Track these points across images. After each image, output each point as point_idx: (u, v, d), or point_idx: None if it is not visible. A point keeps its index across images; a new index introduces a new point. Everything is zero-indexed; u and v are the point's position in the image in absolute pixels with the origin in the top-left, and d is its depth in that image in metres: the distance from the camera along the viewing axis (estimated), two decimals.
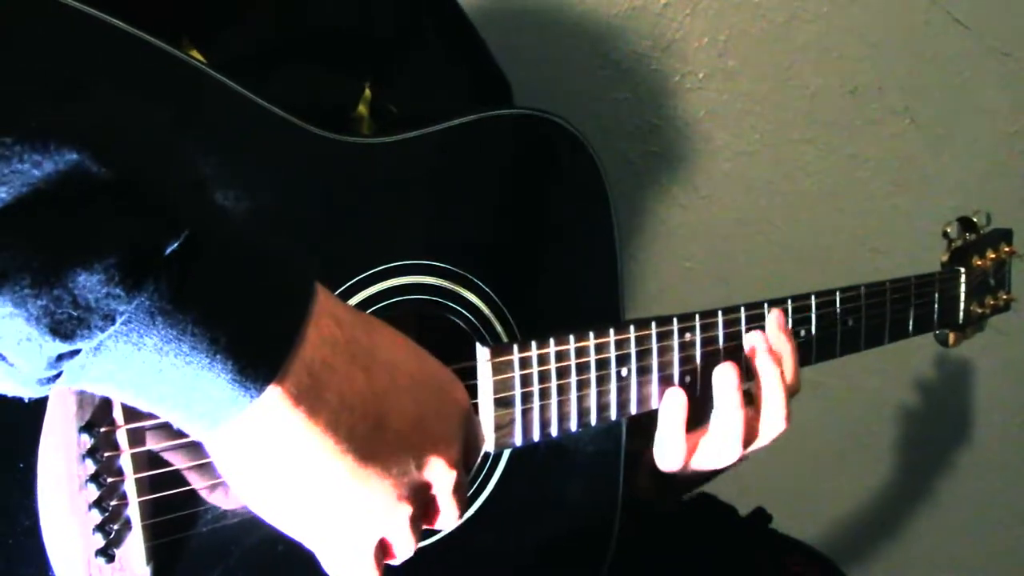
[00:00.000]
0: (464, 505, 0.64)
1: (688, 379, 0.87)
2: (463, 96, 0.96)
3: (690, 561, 1.08)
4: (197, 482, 0.67)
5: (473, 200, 0.79)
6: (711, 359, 0.88)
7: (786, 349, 0.91)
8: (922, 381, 1.85)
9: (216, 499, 0.68)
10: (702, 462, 0.90)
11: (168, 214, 0.47)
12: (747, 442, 0.88)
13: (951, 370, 1.86)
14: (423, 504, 0.61)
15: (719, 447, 0.88)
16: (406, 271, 0.75)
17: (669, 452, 0.88)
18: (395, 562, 0.62)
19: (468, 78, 0.98)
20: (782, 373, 0.89)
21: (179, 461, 0.66)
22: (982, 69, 1.64)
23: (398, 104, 0.85)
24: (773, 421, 0.89)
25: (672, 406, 0.86)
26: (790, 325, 0.93)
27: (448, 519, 0.64)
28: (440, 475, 0.60)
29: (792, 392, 0.92)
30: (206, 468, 0.67)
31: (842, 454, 1.83)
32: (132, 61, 0.58)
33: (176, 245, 0.46)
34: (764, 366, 0.88)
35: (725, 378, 0.87)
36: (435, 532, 0.66)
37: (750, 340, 0.89)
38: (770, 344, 0.89)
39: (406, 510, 0.59)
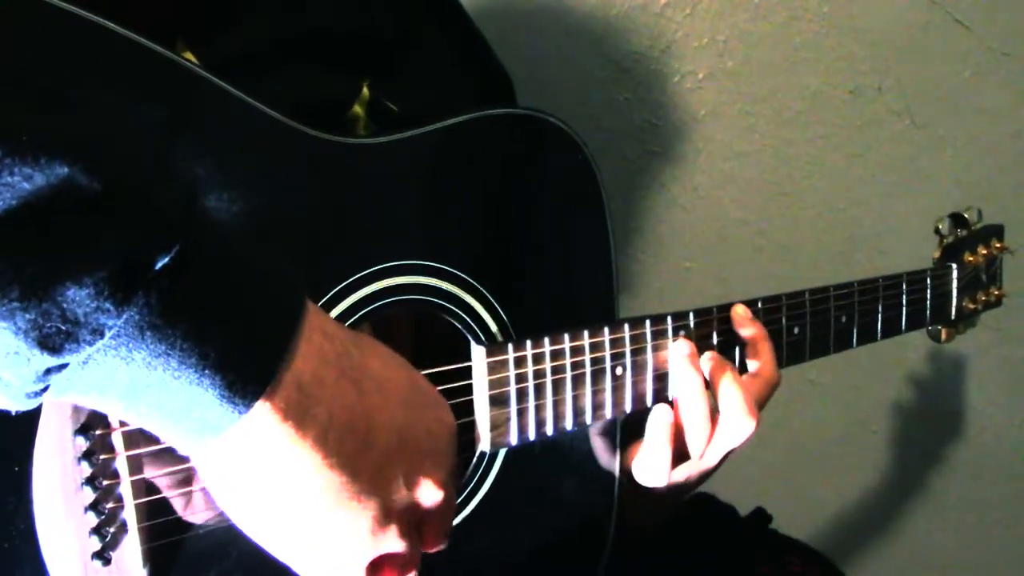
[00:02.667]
0: (448, 530, 0.64)
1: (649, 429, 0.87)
2: (467, 95, 0.96)
3: (690, 561, 1.08)
4: (176, 492, 0.68)
5: (468, 200, 0.79)
6: None
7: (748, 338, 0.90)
8: (919, 380, 1.85)
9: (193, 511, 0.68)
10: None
11: (159, 228, 0.46)
12: (714, 446, 0.85)
13: (948, 368, 1.86)
14: (413, 523, 0.60)
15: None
16: (401, 271, 0.75)
17: (652, 468, 0.85)
18: None
19: (472, 76, 0.98)
20: (730, 374, 0.85)
21: (167, 467, 0.66)
22: (982, 69, 1.64)
23: (397, 103, 0.84)
24: (734, 423, 0.84)
25: (659, 422, 0.84)
26: (785, 322, 0.93)
27: (435, 542, 0.63)
28: (429, 495, 0.60)
29: (768, 385, 0.89)
30: (193, 477, 0.67)
31: (841, 454, 1.82)
32: (124, 64, 0.58)
33: (167, 259, 0.46)
34: (684, 373, 0.85)
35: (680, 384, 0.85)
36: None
37: (674, 349, 0.86)
38: (695, 351, 0.86)
39: (394, 529, 0.58)
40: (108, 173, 0.44)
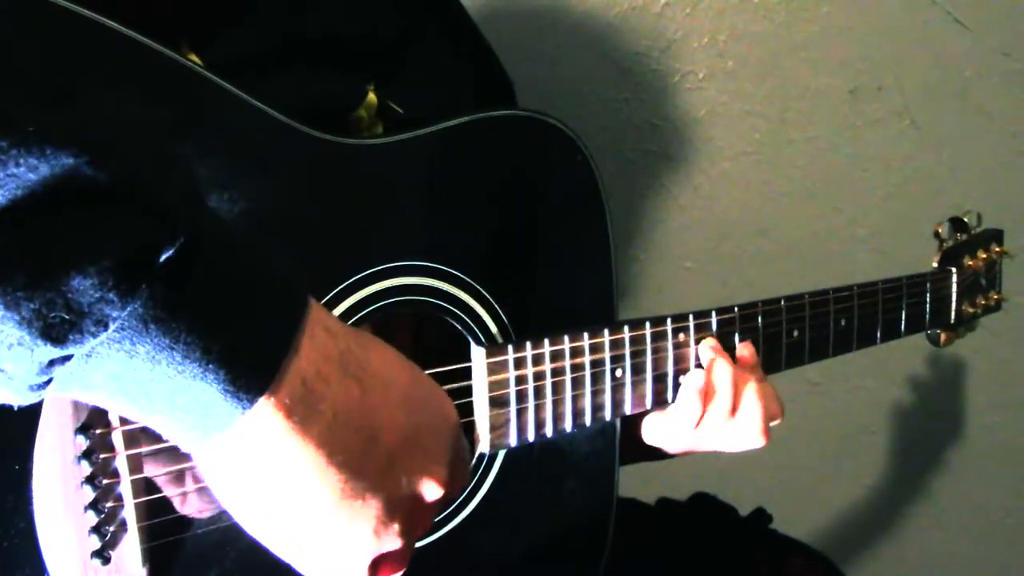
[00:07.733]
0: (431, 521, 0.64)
1: (682, 379, 0.88)
2: (468, 97, 0.96)
3: (690, 561, 1.09)
4: (175, 490, 0.68)
5: (468, 201, 0.79)
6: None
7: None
8: (919, 381, 1.85)
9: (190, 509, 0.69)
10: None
11: (164, 220, 0.46)
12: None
13: (947, 370, 1.86)
14: (413, 519, 0.60)
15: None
16: (402, 272, 0.75)
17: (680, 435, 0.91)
18: None
19: (472, 79, 0.98)
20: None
21: (166, 466, 0.67)
22: (982, 69, 1.64)
23: (402, 104, 0.84)
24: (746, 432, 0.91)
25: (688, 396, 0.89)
26: (784, 325, 0.93)
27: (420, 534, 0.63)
28: (431, 491, 0.60)
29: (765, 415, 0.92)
30: (191, 474, 0.67)
31: (841, 454, 1.83)
32: (129, 64, 0.59)
33: (172, 252, 0.46)
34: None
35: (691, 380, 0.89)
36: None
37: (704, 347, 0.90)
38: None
39: (396, 527, 0.58)
40: (114, 166, 0.44)
